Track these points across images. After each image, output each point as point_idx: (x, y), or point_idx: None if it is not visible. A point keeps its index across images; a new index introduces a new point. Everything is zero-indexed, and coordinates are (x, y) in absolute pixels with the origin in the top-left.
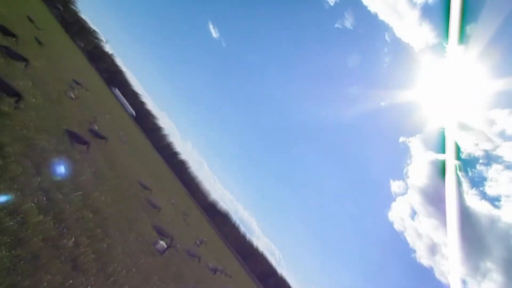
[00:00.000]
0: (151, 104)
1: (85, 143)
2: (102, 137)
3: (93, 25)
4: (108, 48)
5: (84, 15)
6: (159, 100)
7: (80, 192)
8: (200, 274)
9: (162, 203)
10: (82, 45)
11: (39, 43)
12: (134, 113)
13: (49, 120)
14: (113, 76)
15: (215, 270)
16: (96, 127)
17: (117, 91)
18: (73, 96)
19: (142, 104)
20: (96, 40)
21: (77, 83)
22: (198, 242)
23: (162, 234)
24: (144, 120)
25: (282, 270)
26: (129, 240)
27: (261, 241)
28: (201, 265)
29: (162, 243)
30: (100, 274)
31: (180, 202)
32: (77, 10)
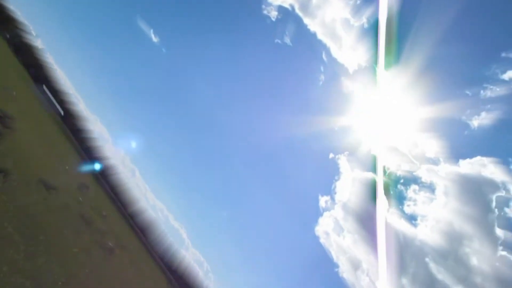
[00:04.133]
0: (82, 105)
1: None
2: None
3: (23, 19)
4: (38, 43)
5: (13, 6)
6: (92, 104)
7: None
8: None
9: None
10: (8, 36)
11: None
12: (61, 111)
13: None
14: (40, 72)
15: None
16: None
17: (43, 88)
18: None
19: (71, 104)
20: (25, 33)
21: None
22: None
23: None
24: (72, 121)
25: (209, 282)
26: None
27: (190, 252)
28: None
29: None
30: None
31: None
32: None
